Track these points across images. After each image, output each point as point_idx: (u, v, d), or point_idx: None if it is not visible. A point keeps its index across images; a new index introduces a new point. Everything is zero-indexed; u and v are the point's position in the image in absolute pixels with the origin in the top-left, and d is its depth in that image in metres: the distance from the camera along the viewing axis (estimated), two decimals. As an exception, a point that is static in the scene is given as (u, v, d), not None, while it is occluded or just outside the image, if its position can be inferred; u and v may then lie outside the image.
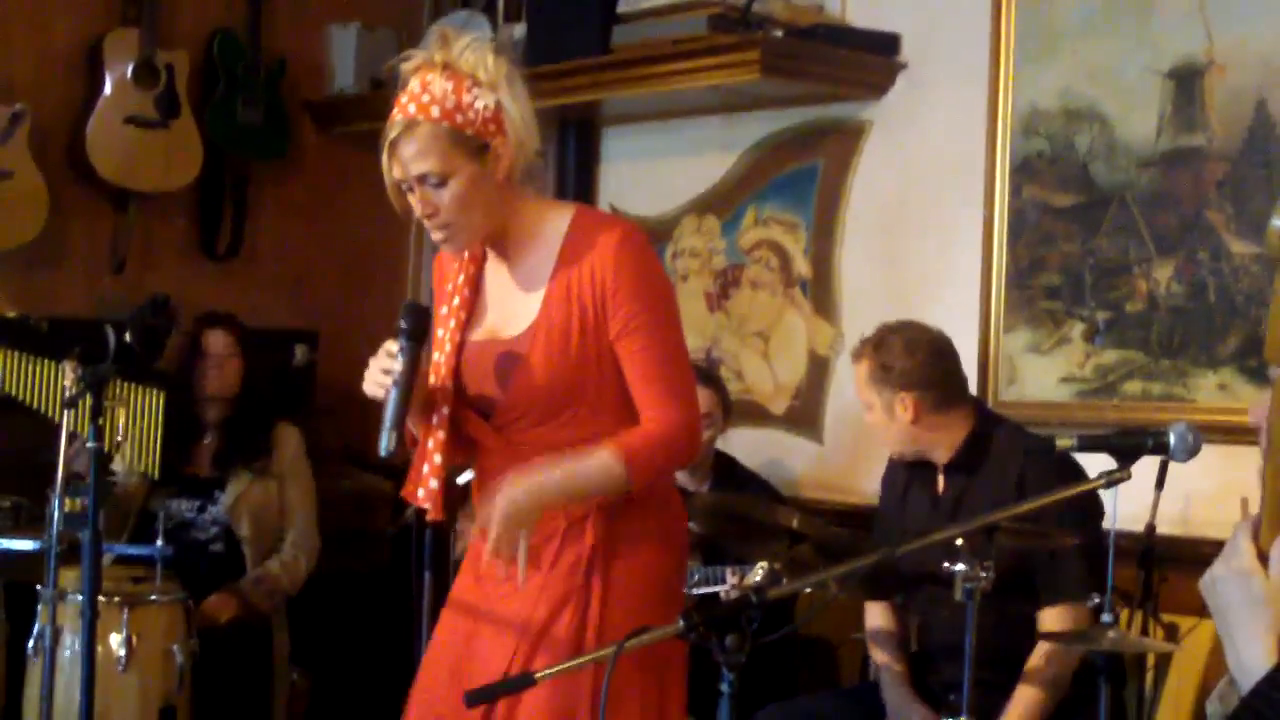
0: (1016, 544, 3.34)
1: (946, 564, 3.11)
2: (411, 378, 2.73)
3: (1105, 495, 3.06)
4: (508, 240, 2.85)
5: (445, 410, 2.83)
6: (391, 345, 2.75)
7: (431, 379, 2.85)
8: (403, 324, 2.75)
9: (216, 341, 4.70)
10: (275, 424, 4.80)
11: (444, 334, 2.87)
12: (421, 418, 2.84)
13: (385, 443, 2.71)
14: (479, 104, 2.72)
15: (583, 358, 2.78)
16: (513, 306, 2.84)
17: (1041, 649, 3.49)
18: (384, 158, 2.75)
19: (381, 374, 2.74)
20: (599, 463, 2.75)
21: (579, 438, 2.79)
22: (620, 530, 2.84)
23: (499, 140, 2.74)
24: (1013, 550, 3.34)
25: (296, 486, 4.76)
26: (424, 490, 2.84)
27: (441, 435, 2.82)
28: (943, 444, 3.68)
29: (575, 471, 2.75)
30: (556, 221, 2.84)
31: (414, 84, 2.73)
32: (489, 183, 2.75)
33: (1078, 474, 3.44)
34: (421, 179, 2.73)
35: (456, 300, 2.88)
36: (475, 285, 2.90)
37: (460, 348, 2.86)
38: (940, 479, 3.72)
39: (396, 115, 2.73)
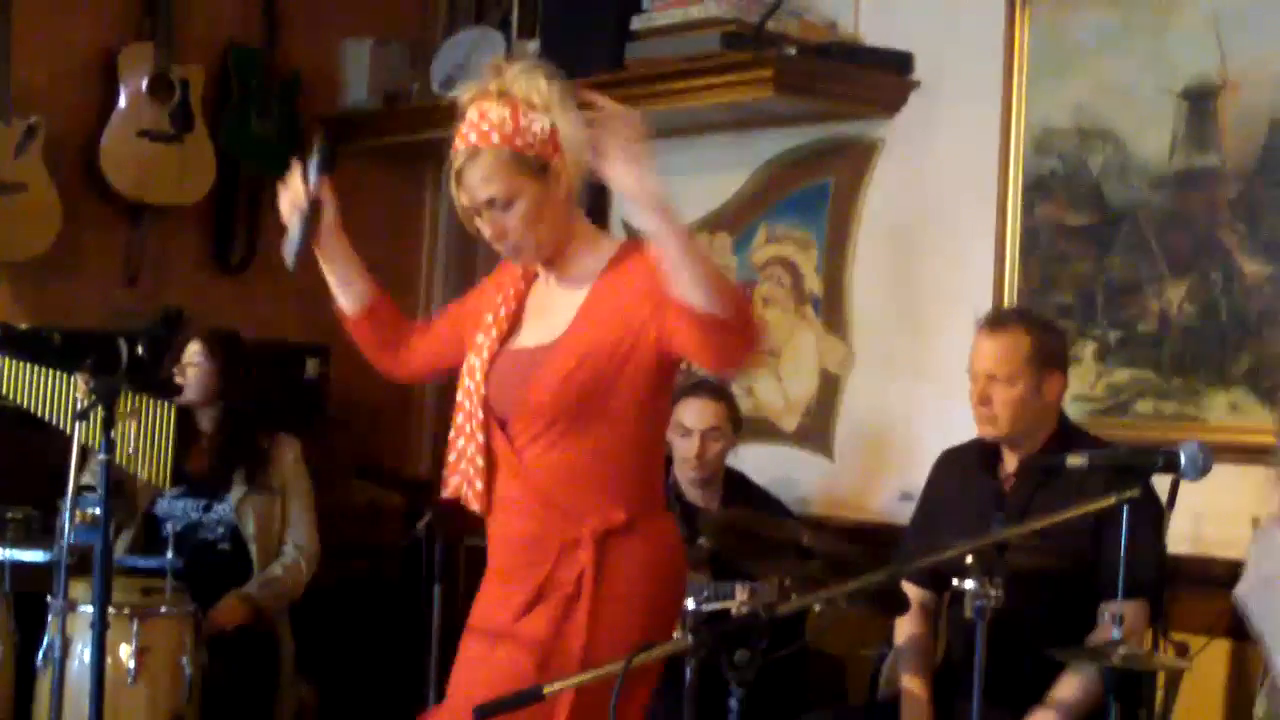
0: (1031, 563, 3.33)
1: (956, 580, 3.10)
2: (317, 203, 3.03)
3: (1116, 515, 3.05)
4: (557, 259, 2.94)
5: (479, 415, 2.92)
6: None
7: (466, 382, 2.96)
8: (316, 155, 3.03)
9: (188, 350, 4.68)
10: (274, 437, 4.79)
11: (483, 340, 2.97)
12: (336, 264, 3.15)
13: (290, 262, 3.05)
14: (536, 126, 2.83)
15: (607, 371, 2.83)
16: (549, 320, 2.93)
17: (1073, 675, 3.48)
18: (451, 187, 2.88)
19: (292, 196, 3.04)
20: (710, 256, 2.80)
21: (587, 460, 2.85)
22: (612, 559, 2.86)
23: (557, 159, 2.85)
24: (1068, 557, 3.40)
25: (295, 497, 4.78)
26: (471, 492, 2.94)
27: (481, 439, 2.92)
28: (1040, 436, 3.68)
29: (695, 237, 2.78)
30: (605, 245, 2.96)
31: (472, 113, 2.85)
32: (552, 200, 2.86)
33: (1158, 513, 3.42)
34: (489, 203, 2.84)
35: (502, 311, 2.99)
36: (522, 300, 3.00)
37: (496, 357, 2.95)
38: (1010, 476, 3.70)
39: (459, 145, 2.85)
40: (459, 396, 2.98)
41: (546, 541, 2.87)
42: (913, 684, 3.73)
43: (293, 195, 3.05)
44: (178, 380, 4.61)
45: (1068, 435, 3.69)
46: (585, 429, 2.85)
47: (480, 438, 2.92)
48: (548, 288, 2.98)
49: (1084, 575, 3.51)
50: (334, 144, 3.05)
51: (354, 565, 5.24)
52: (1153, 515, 3.43)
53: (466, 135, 2.83)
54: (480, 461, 2.91)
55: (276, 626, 4.67)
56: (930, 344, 4.63)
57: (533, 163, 2.82)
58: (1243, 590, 1.71)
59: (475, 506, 2.96)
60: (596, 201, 5.43)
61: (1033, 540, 3.23)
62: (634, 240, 2.97)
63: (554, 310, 2.93)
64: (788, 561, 3.44)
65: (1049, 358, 3.68)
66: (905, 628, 3.84)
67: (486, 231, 2.89)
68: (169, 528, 4.34)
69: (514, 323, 2.99)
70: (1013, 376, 3.64)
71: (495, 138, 2.80)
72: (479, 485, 2.92)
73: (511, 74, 2.85)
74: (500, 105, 2.82)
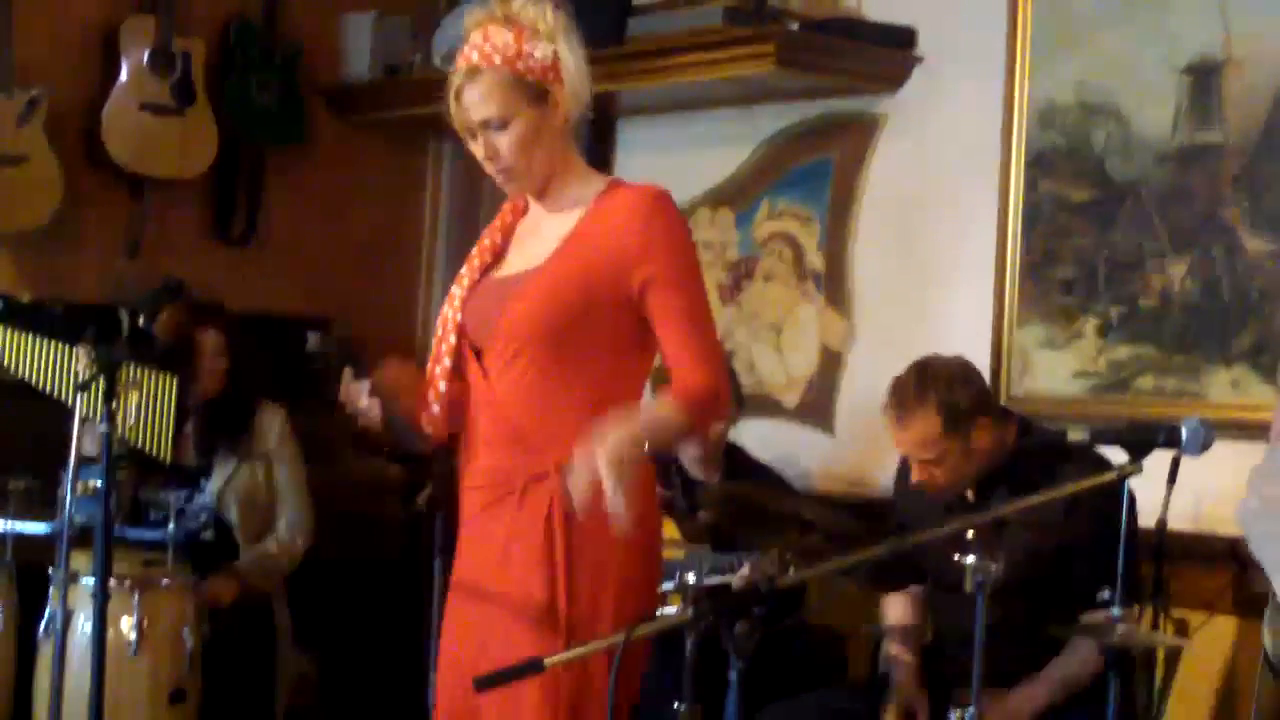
0: (1030, 542, 3.34)
1: (957, 556, 3.10)
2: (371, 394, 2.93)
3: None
4: (547, 190, 2.94)
5: (451, 340, 2.93)
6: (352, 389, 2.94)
7: (445, 310, 2.97)
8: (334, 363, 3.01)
9: (208, 343, 4.66)
10: (259, 405, 4.76)
11: (464, 270, 2.98)
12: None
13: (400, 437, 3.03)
14: (538, 53, 2.83)
15: (582, 302, 2.83)
16: (532, 250, 2.93)
17: (1071, 648, 3.49)
18: (450, 105, 2.87)
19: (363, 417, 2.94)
20: (669, 413, 2.80)
21: (558, 394, 2.83)
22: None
23: (557, 87, 2.86)
24: (1039, 550, 3.38)
25: (284, 467, 4.74)
26: (426, 415, 2.95)
27: (447, 363, 2.93)
28: (996, 456, 3.64)
29: (654, 418, 2.79)
30: (595, 182, 2.95)
31: (476, 36, 2.85)
32: (547, 128, 2.86)
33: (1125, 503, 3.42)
34: (485, 124, 2.85)
35: (487, 241, 3.00)
36: (509, 232, 3.01)
37: (477, 285, 2.95)
38: (972, 488, 3.67)
39: (460, 64, 2.86)
40: (437, 325, 2.99)
41: (514, 476, 2.85)
42: (902, 651, 3.76)
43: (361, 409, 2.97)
44: (202, 376, 4.60)
45: (1029, 449, 3.65)
46: (557, 361, 2.83)
47: (447, 362, 2.92)
48: (535, 218, 2.98)
49: (1056, 559, 3.52)
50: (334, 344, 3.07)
51: (354, 539, 5.24)
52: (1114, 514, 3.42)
53: (469, 55, 2.84)
54: (443, 385, 2.92)
55: (272, 600, 4.67)
56: (932, 320, 4.64)
57: (532, 88, 2.83)
58: (1244, 513, 1.68)
59: (428, 430, 2.95)
60: (599, 151, 5.43)
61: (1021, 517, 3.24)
62: (624, 180, 2.99)
63: (539, 239, 2.93)
64: (788, 535, 3.45)
65: (966, 416, 3.57)
66: (894, 613, 3.85)
67: (479, 153, 2.90)
68: (153, 515, 4.34)
69: (498, 254, 2.99)
70: (940, 456, 3.59)
71: (497, 59, 2.82)
72: (436, 409, 2.92)
73: (519, 1, 2.87)
74: (505, 29, 2.84)
